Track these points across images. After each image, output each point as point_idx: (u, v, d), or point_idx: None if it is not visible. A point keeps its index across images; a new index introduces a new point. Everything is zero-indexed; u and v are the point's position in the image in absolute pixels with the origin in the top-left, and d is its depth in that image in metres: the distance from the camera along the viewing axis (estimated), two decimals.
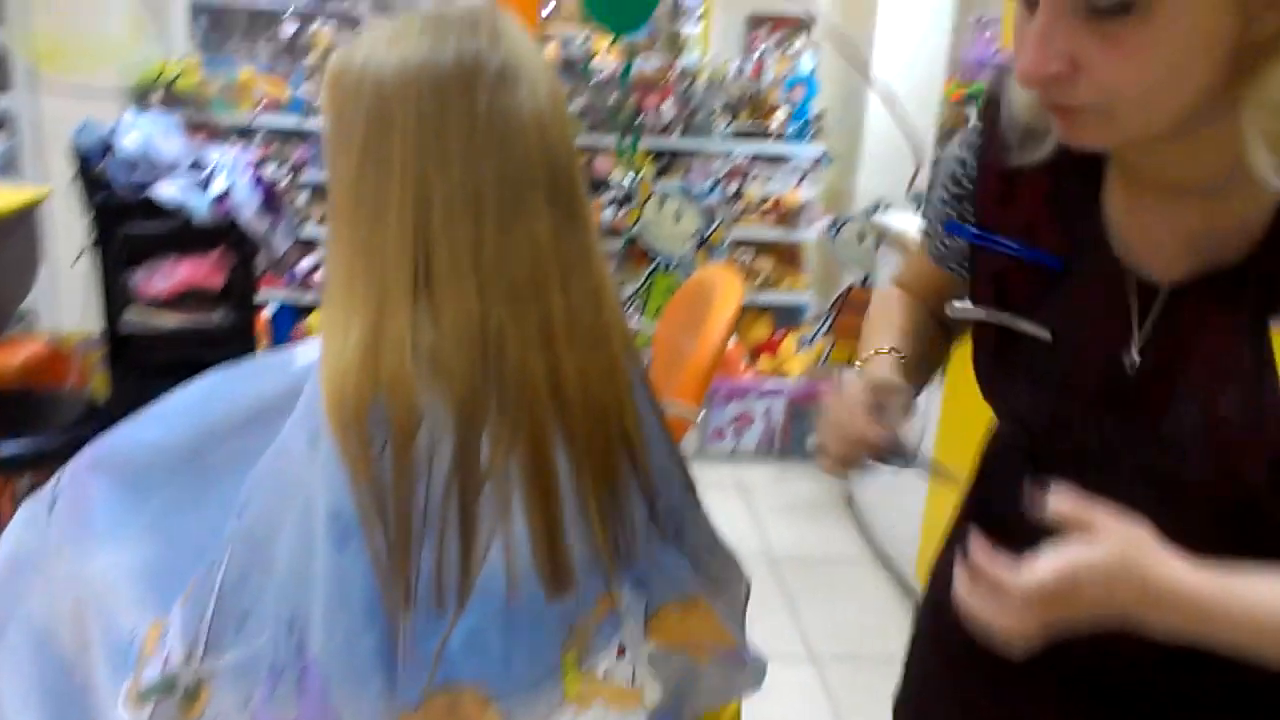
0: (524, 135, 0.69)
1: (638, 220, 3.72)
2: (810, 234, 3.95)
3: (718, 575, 0.83)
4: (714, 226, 3.75)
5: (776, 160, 3.92)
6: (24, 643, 0.82)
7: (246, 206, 2.67)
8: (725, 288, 2.06)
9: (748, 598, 0.88)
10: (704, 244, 3.75)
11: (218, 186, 2.63)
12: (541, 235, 0.70)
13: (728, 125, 3.86)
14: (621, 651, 0.74)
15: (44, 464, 2.40)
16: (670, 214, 3.69)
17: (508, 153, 0.68)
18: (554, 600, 0.71)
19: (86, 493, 0.82)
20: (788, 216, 3.95)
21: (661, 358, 2.29)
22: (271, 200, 2.73)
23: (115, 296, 2.69)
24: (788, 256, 4.12)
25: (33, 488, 2.45)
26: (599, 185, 3.86)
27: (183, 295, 2.68)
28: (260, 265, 2.80)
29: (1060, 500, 0.64)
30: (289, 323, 3.82)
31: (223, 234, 2.68)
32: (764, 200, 3.93)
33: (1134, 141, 0.66)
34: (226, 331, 2.81)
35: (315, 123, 3.64)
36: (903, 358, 0.88)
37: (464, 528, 0.69)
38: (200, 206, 2.62)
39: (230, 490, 0.75)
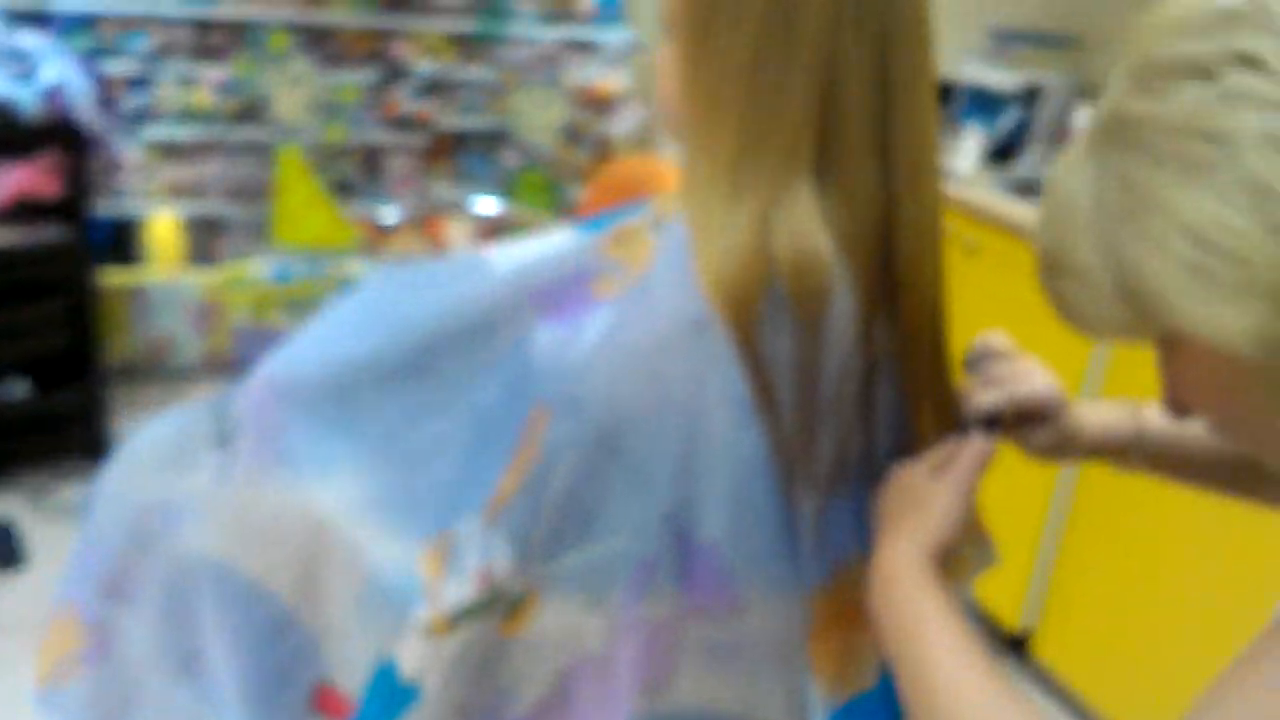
0: (917, 21, 0.70)
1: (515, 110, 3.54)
2: (621, 126, 3.96)
3: None
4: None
5: (585, 47, 3.78)
6: (224, 593, 0.75)
7: (82, 101, 2.30)
8: (663, 183, 2.05)
9: None
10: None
11: (47, 76, 2.24)
12: (929, 119, 0.71)
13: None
14: None
15: None
16: (538, 104, 3.55)
17: (907, 36, 0.69)
18: None
19: (277, 424, 0.74)
20: (601, 107, 3.91)
21: None
22: (107, 94, 2.37)
23: None
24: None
25: None
26: (399, 73, 3.65)
27: (12, 208, 2.28)
28: (97, 170, 2.42)
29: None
30: (107, 237, 3.14)
31: (54, 133, 2.29)
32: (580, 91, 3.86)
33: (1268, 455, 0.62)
34: (63, 248, 2.41)
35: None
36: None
37: (864, 411, 0.70)
38: (27, 101, 2.22)
39: (481, 397, 0.71)
